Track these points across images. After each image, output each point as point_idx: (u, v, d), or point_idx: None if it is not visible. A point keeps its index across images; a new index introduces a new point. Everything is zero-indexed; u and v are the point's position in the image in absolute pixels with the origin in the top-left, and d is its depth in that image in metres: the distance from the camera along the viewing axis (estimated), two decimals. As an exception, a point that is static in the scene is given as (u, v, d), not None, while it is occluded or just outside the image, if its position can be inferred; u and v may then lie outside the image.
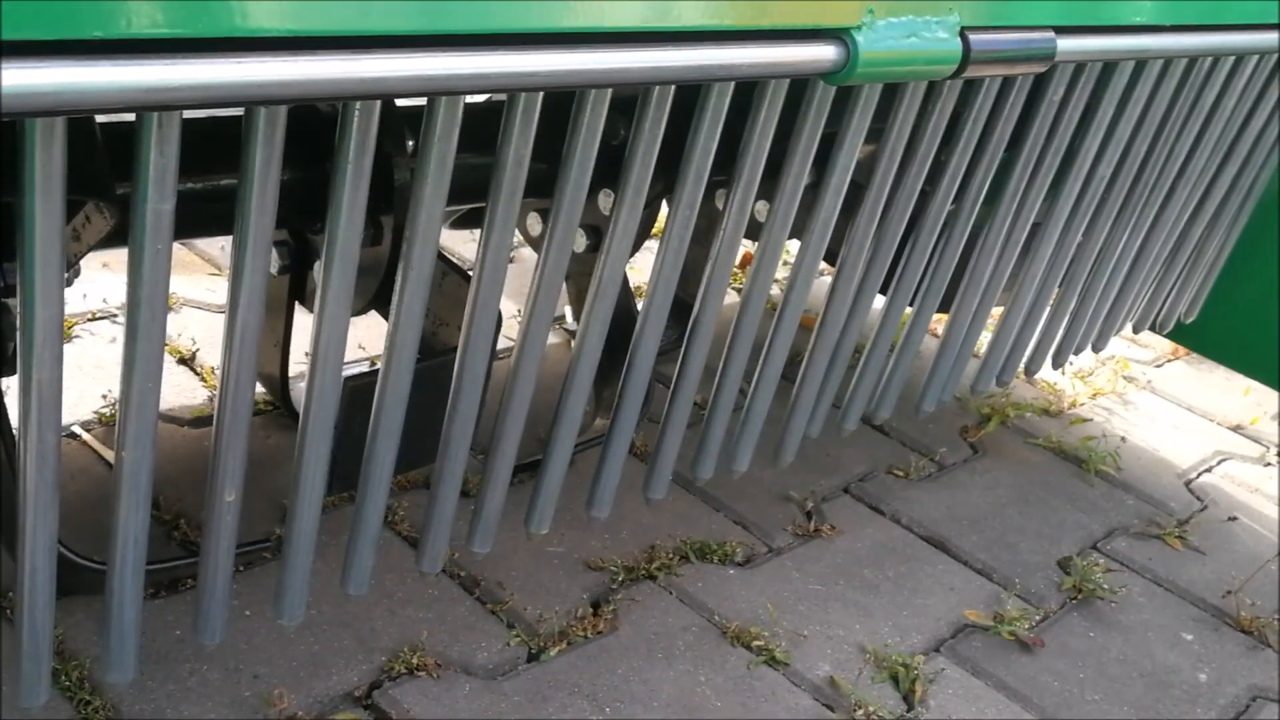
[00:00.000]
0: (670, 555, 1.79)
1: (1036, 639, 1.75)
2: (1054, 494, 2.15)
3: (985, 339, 1.87)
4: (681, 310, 1.34)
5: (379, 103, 0.87)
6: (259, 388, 1.96)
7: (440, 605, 1.61)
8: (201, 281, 2.38)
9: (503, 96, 0.97)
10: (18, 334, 0.82)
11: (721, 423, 1.44)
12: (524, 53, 0.85)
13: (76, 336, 2.09)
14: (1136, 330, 2.14)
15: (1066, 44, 1.26)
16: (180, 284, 2.34)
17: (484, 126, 1.08)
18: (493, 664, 1.53)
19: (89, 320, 2.15)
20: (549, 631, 1.60)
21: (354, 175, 0.89)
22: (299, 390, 2.00)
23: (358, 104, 0.86)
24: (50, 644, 0.98)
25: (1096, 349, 2.02)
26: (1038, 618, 1.80)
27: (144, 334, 0.87)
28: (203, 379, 2.05)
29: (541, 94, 0.97)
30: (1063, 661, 1.72)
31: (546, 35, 0.86)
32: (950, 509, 2.05)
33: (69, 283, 1.42)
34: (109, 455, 1.79)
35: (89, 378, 1.97)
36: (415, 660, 1.50)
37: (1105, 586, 1.88)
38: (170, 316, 2.22)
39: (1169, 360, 2.80)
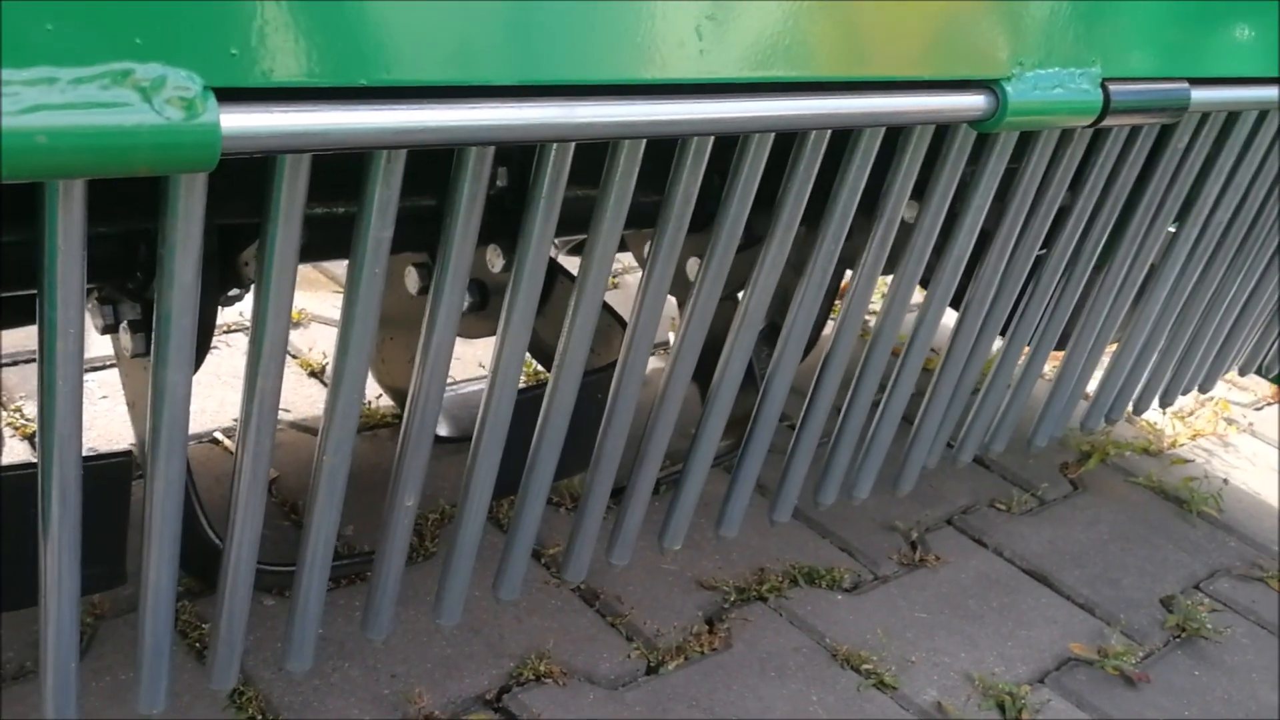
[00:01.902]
0: (780, 578, 1.85)
1: (1141, 675, 1.77)
2: (1155, 533, 2.17)
3: (1093, 375, 1.91)
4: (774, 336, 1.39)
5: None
6: (388, 401, 2.05)
7: (563, 616, 1.68)
8: (327, 298, 2.49)
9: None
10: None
11: (846, 452, 1.49)
12: (696, 102, 0.93)
13: (215, 348, 2.20)
14: (1243, 373, 2.16)
15: (1199, 95, 1.31)
16: (307, 300, 2.45)
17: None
18: (614, 674, 1.60)
19: (226, 333, 2.26)
20: (667, 646, 1.66)
21: (467, 209, 0.95)
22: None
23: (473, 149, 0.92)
24: (244, 634, 1.06)
25: (1204, 389, 2.05)
26: (1141, 654, 1.83)
27: (355, 347, 0.95)
28: (332, 392, 2.14)
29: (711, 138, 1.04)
30: (1167, 698, 1.74)
31: (725, 85, 0.94)
32: (1052, 543, 2.08)
33: (234, 301, 1.53)
34: (250, 461, 1.89)
35: (228, 387, 2.07)
36: (542, 667, 1.56)
37: (1209, 626, 1.90)
38: (299, 332, 2.33)
39: (1268, 404, 2.80)
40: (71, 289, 0.77)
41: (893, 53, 1.03)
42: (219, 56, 0.67)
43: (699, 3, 0.86)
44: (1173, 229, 1.67)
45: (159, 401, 0.88)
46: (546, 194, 0.97)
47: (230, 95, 0.70)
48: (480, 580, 1.48)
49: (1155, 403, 1.96)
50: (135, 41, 0.63)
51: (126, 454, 1.11)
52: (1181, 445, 2.52)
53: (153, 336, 0.85)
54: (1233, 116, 1.50)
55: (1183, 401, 2.64)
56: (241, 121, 0.70)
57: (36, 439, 0.93)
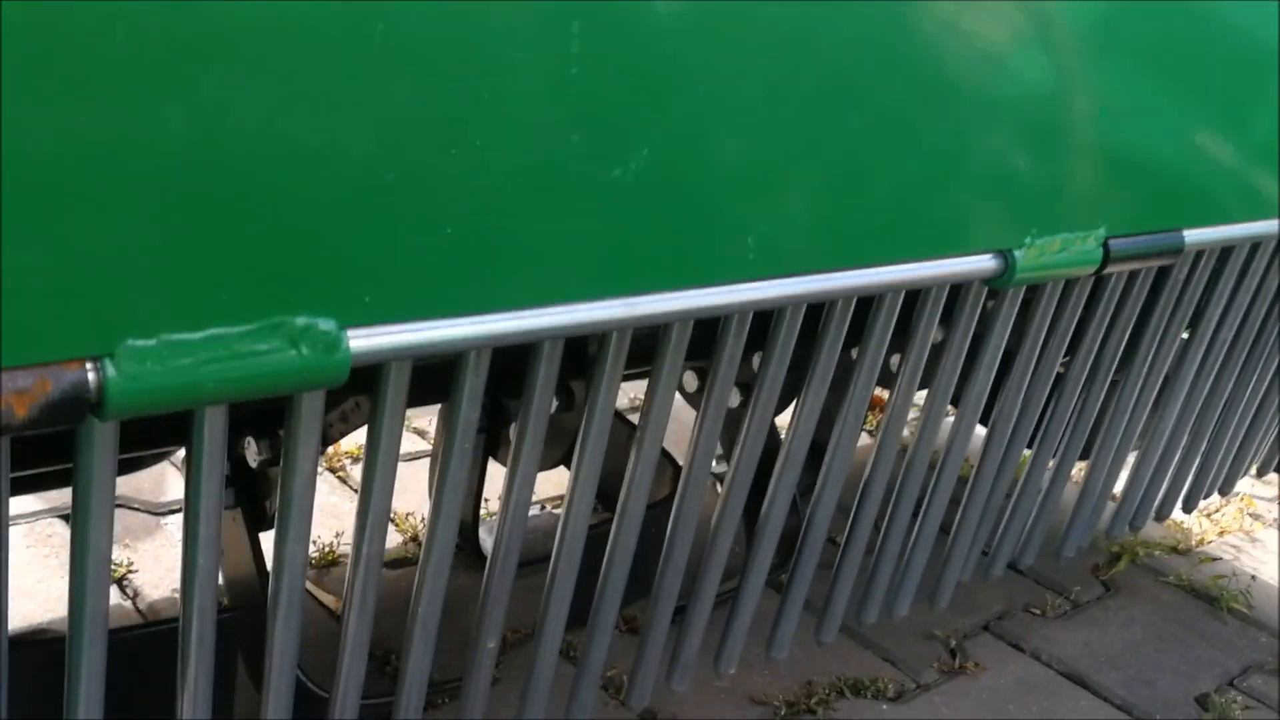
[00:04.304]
0: (827, 691, 1.93)
1: (1181, 774, 1.84)
2: (1188, 631, 2.24)
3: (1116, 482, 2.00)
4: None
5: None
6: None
7: (624, 736, 1.78)
8: (383, 430, 2.62)
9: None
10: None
11: (886, 571, 1.60)
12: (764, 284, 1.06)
13: (282, 484, 2.33)
14: (1261, 474, 2.25)
15: (1193, 236, 1.43)
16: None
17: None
18: (675, 791, 1.69)
19: (291, 469, 2.39)
20: (723, 762, 1.75)
21: (544, 388, 1.08)
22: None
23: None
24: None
25: (1223, 492, 2.14)
26: (1181, 754, 1.90)
27: (445, 515, 1.07)
28: (395, 524, 2.26)
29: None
30: (1208, 797, 1.81)
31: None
32: (1087, 645, 2.15)
33: (322, 450, 1.66)
34: (324, 598, 2.00)
35: (296, 522, 2.19)
36: (607, 787, 1.66)
37: (1245, 723, 1.97)
38: (360, 464, 2.45)
39: (1293, 496, 2.87)
40: (213, 484, 0.90)
41: (917, 237, 1.16)
42: (354, 304, 0.80)
43: (751, 218, 1.00)
44: (1185, 335, 1.79)
45: (280, 569, 1.01)
46: (610, 368, 1.10)
47: (354, 322, 0.83)
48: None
49: (1178, 507, 2.06)
50: (290, 300, 0.77)
51: (235, 609, 1.23)
52: (1209, 543, 2.60)
53: (277, 516, 0.98)
54: (1228, 249, 1.63)
55: (1208, 500, 2.73)
56: (364, 344, 0.83)
57: (178, 599, 1.05)
